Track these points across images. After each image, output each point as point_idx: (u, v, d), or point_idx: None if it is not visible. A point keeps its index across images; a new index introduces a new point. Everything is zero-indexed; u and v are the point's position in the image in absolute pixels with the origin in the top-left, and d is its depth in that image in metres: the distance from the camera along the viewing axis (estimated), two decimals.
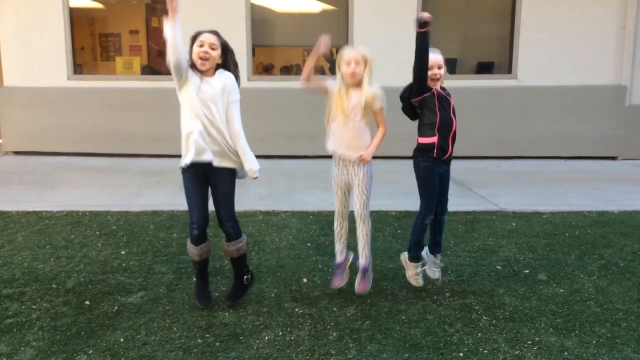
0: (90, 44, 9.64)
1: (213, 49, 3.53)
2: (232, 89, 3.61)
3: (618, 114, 9.11)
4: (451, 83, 9.03)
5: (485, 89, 9.01)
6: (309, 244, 4.99)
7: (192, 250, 3.66)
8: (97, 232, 5.25)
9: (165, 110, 8.94)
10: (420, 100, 3.75)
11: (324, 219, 5.53)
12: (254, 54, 9.02)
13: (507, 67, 9.13)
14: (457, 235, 5.27)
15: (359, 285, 3.84)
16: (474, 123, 9.01)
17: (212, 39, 3.54)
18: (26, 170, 7.89)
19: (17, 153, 9.01)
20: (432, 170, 3.77)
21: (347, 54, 3.69)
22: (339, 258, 3.97)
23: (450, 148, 3.82)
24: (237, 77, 3.68)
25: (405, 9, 8.76)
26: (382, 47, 8.83)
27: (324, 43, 3.64)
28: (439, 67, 3.73)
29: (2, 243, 4.93)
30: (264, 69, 9.43)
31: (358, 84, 3.71)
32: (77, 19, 9.01)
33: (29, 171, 7.81)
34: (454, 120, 3.82)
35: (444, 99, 3.79)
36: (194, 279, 3.89)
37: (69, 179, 7.44)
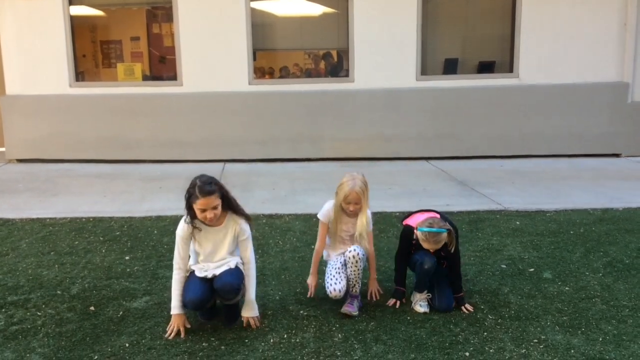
0: (92, 51, 9.66)
1: (215, 207, 3.39)
2: (240, 232, 3.54)
3: (621, 111, 9.08)
4: (453, 83, 9.14)
5: (487, 88, 9.00)
6: (312, 246, 4.93)
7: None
8: (101, 238, 5.26)
9: (167, 116, 9.03)
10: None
11: None
12: (254, 58, 9.03)
13: (509, 66, 9.12)
14: (462, 235, 5.24)
15: (347, 306, 3.69)
16: (476, 123, 9.01)
17: (212, 201, 3.36)
18: (29, 177, 7.91)
19: (20, 161, 9.03)
20: None
21: (350, 196, 3.65)
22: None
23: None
24: (243, 215, 3.56)
25: (405, 11, 8.77)
26: (382, 49, 8.84)
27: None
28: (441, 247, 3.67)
29: (6, 250, 4.94)
30: (265, 72, 9.44)
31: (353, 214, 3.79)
32: (78, 26, 9.03)
33: (32, 179, 7.83)
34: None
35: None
36: None
37: (72, 185, 7.45)
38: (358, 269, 3.69)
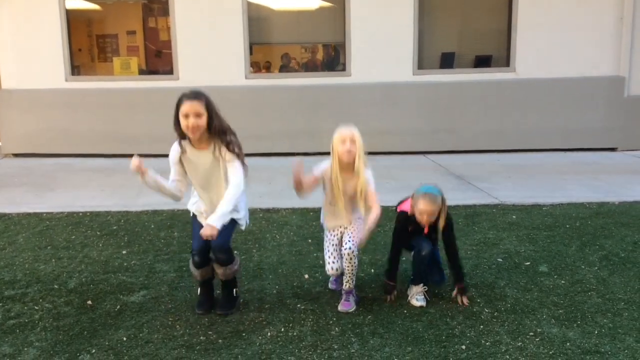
0: (88, 45, 9.64)
1: (199, 116, 3.31)
2: (226, 154, 3.43)
3: (617, 105, 9.11)
4: (450, 77, 9.12)
5: (483, 82, 9.01)
6: (309, 240, 4.99)
7: (194, 272, 3.65)
8: (98, 233, 5.26)
9: (164, 110, 8.95)
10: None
11: None
12: (251, 52, 9.02)
13: (505, 60, 9.13)
14: (458, 229, 5.24)
15: (343, 305, 3.69)
16: (473, 117, 9.02)
17: (196, 106, 3.30)
18: (26, 172, 7.90)
19: (16, 155, 9.02)
20: None
21: (343, 133, 3.62)
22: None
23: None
24: (228, 143, 3.40)
25: (402, 5, 8.76)
26: (379, 42, 8.84)
27: (296, 167, 3.50)
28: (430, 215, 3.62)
29: (3, 245, 4.94)
30: (261, 66, 9.43)
31: (351, 167, 3.62)
32: (74, 20, 9.01)
33: (29, 173, 7.82)
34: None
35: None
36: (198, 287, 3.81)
37: (69, 180, 7.45)
38: (352, 265, 3.66)
